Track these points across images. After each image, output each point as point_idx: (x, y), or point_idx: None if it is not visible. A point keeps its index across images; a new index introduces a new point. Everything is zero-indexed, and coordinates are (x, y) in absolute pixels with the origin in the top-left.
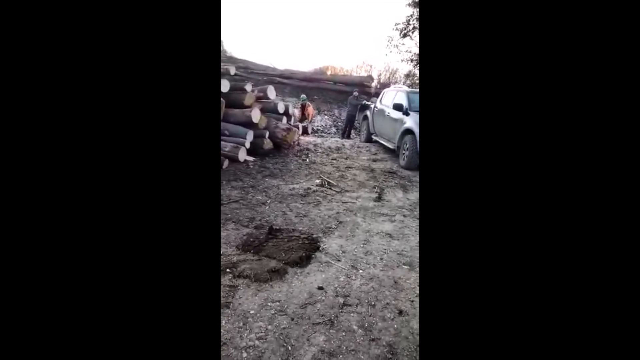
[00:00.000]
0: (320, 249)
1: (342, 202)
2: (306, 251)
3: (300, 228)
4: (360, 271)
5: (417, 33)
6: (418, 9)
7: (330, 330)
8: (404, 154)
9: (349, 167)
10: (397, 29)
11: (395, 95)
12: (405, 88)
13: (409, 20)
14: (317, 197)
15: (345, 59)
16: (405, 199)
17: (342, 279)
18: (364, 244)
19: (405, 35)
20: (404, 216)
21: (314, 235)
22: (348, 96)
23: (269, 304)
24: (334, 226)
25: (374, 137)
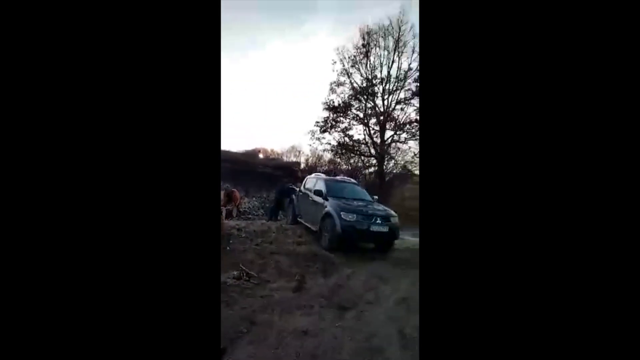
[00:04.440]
0: None
1: (260, 297)
2: None
3: None
4: None
5: (333, 130)
6: (332, 113)
7: None
8: (325, 236)
9: (273, 253)
10: (317, 125)
11: (315, 183)
12: (323, 176)
13: (327, 120)
14: (232, 294)
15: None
16: (325, 285)
17: None
18: (275, 349)
19: (324, 131)
20: (321, 307)
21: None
22: (277, 179)
23: None
24: (245, 330)
25: (299, 220)
